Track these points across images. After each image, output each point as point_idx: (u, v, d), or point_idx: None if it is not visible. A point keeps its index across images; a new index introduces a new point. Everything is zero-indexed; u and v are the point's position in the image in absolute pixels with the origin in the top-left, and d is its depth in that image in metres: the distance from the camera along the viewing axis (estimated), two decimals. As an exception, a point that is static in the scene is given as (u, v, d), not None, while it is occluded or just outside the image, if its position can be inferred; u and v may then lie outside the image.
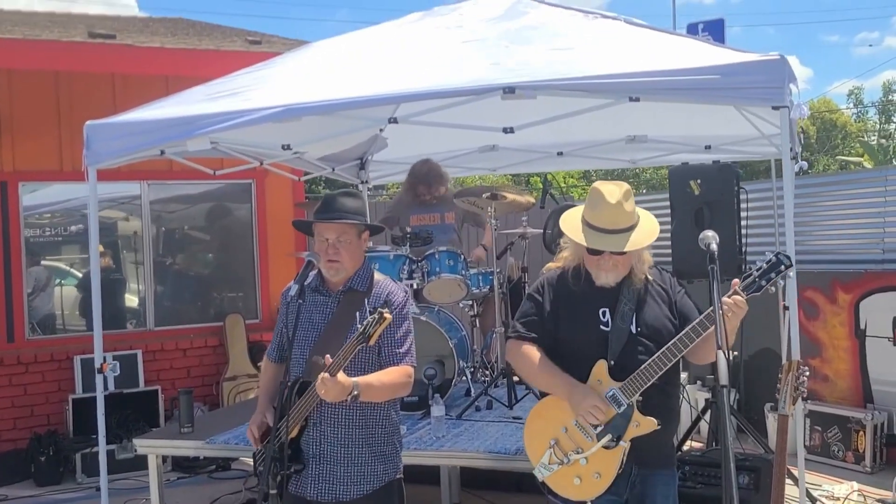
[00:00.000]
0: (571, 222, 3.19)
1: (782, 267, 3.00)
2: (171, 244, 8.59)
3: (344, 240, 3.25)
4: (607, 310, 3.14)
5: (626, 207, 3.09)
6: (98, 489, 6.65)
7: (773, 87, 3.65)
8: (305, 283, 3.30)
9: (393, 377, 3.21)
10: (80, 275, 8.20)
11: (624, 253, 3.10)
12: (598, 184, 3.19)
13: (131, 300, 8.32)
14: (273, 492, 3.18)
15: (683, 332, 3.01)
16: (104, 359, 4.84)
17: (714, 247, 2.89)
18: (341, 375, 2.97)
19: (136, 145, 4.63)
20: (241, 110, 4.37)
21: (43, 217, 7.95)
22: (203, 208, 8.74)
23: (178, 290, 8.57)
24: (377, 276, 3.40)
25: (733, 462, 2.47)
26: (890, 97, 37.25)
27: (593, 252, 3.11)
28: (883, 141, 31.21)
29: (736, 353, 7.31)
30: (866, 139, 31.62)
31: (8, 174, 7.46)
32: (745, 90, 3.71)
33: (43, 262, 7.96)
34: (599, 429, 3.04)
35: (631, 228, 3.11)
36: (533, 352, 3.19)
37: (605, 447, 3.04)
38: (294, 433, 3.23)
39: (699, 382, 7.46)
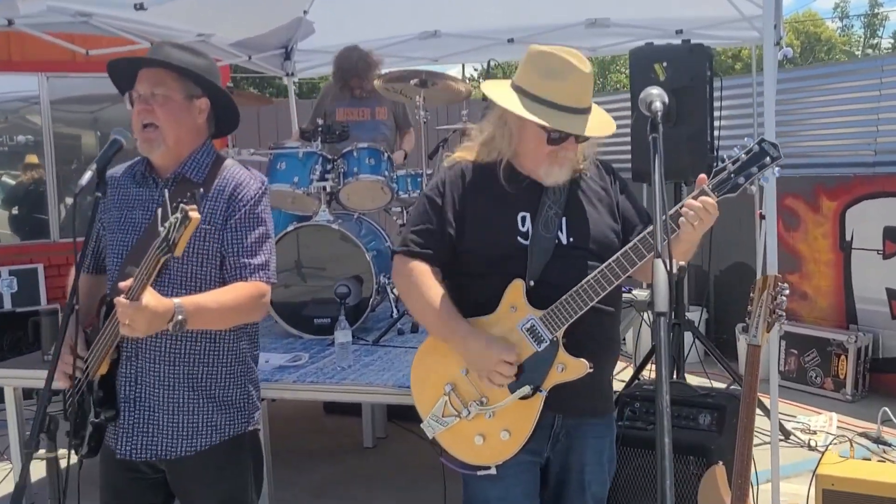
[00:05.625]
0: (505, 96, 2.29)
1: (767, 159, 2.18)
2: (77, 149, 7.63)
3: (160, 93, 2.35)
4: (528, 215, 2.31)
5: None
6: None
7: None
8: (113, 171, 2.47)
9: (237, 295, 2.36)
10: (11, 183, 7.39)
11: (587, 139, 2.28)
12: (546, 48, 2.29)
13: (32, 210, 7.43)
14: (83, 453, 2.40)
15: (628, 246, 2.20)
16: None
17: (658, 106, 2.00)
18: (151, 297, 2.12)
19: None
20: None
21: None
22: (115, 109, 7.75)
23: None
24: (227, 161, 2.53)
25: (668, 440, 1.63)
26: (876, 10, 36.16)
27: (554, 140, 2.25)
28: (869, 51, 30.28)
29: (704, 267, 6.60)
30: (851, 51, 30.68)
31: None
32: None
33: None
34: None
35: (590, 108, 2.28)
36: (424, 276, 2.33)
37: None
38: (103, 369, 2.41)
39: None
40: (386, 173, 4.73)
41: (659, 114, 1.98)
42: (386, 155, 4.78)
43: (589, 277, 2.19)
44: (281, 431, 4.82)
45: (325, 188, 4.63)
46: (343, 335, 3.98)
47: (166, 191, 2.15)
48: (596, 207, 2.37)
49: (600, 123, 2.29)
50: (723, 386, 5.10)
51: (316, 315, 4.50)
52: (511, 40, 6.23)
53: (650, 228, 2.17)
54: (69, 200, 7.37)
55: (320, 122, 4.74)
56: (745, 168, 2.17)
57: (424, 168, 4.91)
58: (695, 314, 6.42)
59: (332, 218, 4.56)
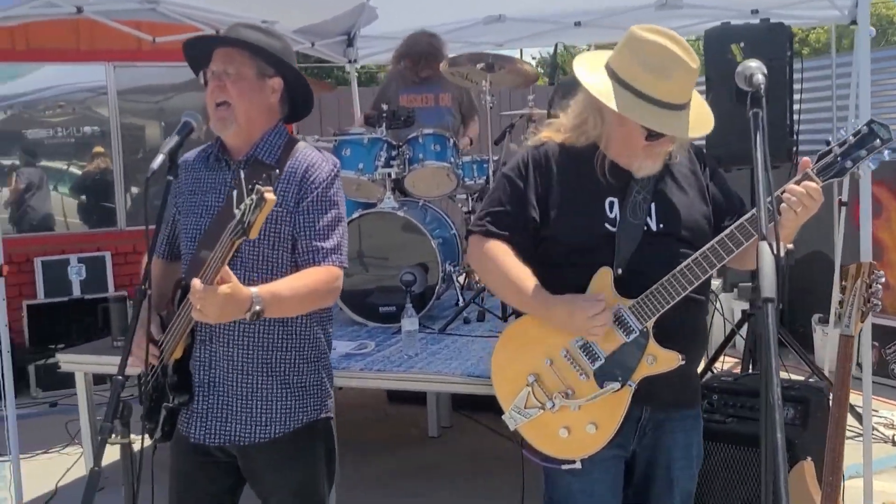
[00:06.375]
0: (602, 86, 2.14)
1: (877, 141, 2.04)
2: (143, 139, 7.71)
3: (233, 72, 2.32)
4: (615, 201, 2.20)
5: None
6: (52, 405, 6.05)
7: None
8: (186, 155, 2.46)
9: (311, 281, 2.30)
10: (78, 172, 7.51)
11: None
12: (648, 32, 2.11)
13: (100, 199, 7.53)
14: (157, 437, 2.38)
15: (724, 233, 2.09)
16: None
17: (760, 79, 1.86)
18: (229, 285, 2.07)
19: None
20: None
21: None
22: (180, 99, 7.81)
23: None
24: (300, 144, 2.48)
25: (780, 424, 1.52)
26: (953, -10, 34.81)
27: (653, 136, 2.13)
28: (945, 34, 29.17)
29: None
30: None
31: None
32: None
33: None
34: (600, 363, 2.15)
35: (690, 101, 2.16)
36: (502, 253, 2.24)
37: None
38: (178, 353, 2.38)
39: (736, 291, 6.53)
40: (452, 160, 4.65)
41: (762, 87, 1.85)
42: (452, 141, 4.69)
43: (682, 265, 2.08)
44: (345, 420, 4.77)
45: (390, 175, 4.56)
46: (410, 323, 3.92)
47: (242, 172, 2.10)
48: (686, 192, 2.25)
49: (701, 120, 2.17)
50: (800, 378, 4.91)
51: (381, 303, 4.44)
52: (578, 24, 6.04)
53: (748, 215, 2.06)
54: (135, 190, 7.45)
55: (385, 107, 4.67)
56: (853, 151, 2.04)
57: (490, 154, 4.82)
58: (769, 304, 6.21)
59: (397, 205, 4.49)
